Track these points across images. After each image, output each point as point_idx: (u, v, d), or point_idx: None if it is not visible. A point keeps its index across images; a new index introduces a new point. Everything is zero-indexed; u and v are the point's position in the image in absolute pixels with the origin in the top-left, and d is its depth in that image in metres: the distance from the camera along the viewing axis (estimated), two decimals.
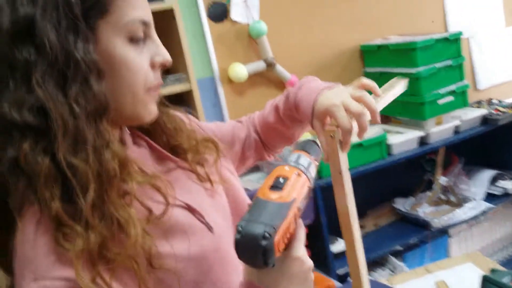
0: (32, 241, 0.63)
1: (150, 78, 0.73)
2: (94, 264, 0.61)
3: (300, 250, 0.68)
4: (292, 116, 0.96)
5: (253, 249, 0.58)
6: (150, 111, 0.76)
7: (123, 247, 0.63)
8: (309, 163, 0.71)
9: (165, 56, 0.75)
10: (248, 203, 0.75)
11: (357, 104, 0.82)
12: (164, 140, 0.84)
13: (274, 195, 0.63)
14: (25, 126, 0.62)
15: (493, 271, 1.34)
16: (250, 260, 0.61)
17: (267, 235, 0.58)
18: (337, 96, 0.83)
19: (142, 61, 0.72)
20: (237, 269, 0.79)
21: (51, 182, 0.62)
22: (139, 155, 0.79)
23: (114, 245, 0.63)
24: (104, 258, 0.62)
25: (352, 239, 0.88)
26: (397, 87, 1.00)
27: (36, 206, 0.64)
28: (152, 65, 0.74)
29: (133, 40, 0.70)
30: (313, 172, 0.72)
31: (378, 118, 0.85)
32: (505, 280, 1.27)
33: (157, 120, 0.81)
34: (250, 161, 1.07)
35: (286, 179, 0.66)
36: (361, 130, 0.83)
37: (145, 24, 0.72)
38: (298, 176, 0.68)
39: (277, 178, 0.66)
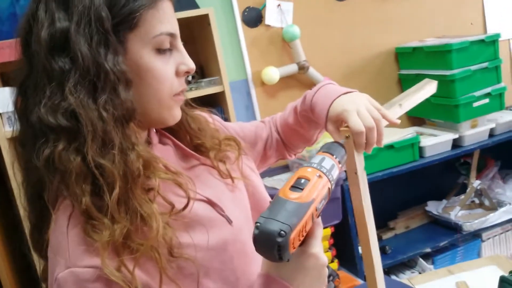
0: (64, 232, 0.70)
1: (175, 86, 0.79)
2: (118, 254, 0.67)
3: (316, 247, 0.72)
4: (308, 118, 1.00)
5: (269, 245, 0.63)
6: (174, 115, 0.82)
7: (146, 238, 0.68)
8: (332, 165, 0.74)
9: (189, 65, 0.80)
10: (269, 200, 0.79)
11: (369, 117, 0.85)
12: (188, 139, 0.90)
13: (293, 195, 0.66)
14: (59, 129, 0.69)
15: (511, 272, 1.34)
16: (266, 254, 0.65)
17: (282, 233, 0.62)
18: (352, 103, 0.87)
19: (167, 70, 0.78)
20: (255, 260, 0.83)
21: (82, 179, 0.68)
22: (164, 153, 0.85)
23: (138, 237, 0.69)
24: (128, 248, 0.68)
25: (368, 238, 0.92)
26: (427, 89, 1.02)
27: (68, 201, 0.71)
28: (177, 73, 0.80)
29: (160, 51, 0.76)
30: (335, 174, 0.74)
31: (382, 143, 0.88)
32: None
33: (181, 121, 0.86)
34: (272, 160, 1.12)
35: (307, 180, 0.69)
36: (369, 145, 0.86)
37: (171, 35, 0.78)
38: (319, 178, 0.70)
39: (299, 179, 0.69)
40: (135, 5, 0.73)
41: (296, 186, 0.68)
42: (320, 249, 0.74)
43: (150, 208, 0.70)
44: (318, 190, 0.69)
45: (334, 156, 0.76)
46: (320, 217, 0.74)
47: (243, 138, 1.04)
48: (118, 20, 0.72)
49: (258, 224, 0.64)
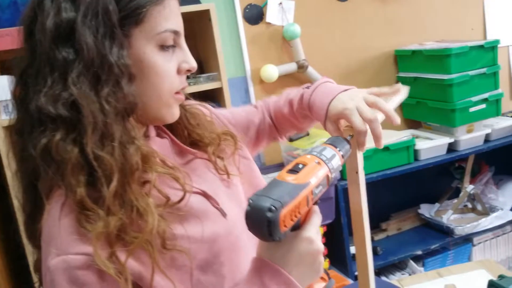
0: (57, 221, 0.70)
1: (176, 83, 0.80)
2: (111, 245, 0.68)
3: (311, 232, 0.72)
4: (305, 114, 1.00)
5: (259, 220, 0.63)
6: (173, 113, 0.83)
7: (140, 232, 0.69)
8: (333, 155, 0.74)
9: (191, 63, 0.81)
10: None
11: (370, 110, 0.85)
12: (185, 134, 0.91)
13: (289, 177, 0.68)
14: (58, 118, 0.69)
15: (500, 276, 1.34)
16: (257, 230, 0.65)
17: (273, 208, 0.62)
18: (351, 100, 0.87)
19: (169, 67, 0.78)
20: (249, 253, 0.84)
21: (78, 169, 0.68)
22: (161, 146, 0.86)
23: (133, 230, 0.69)
24: (122, 240, 0.69)
25: (363, 238, 0.92)
26: (400, 94, 1.03)
27: (61, 190, 0.71)
28: (179, 71, 0.80)
29: (163, 47, 0.77)
30: (336, 164, 0.75)
31: (397, 120, 0.87)
32: None
33: (180, 117, 0.87)
34: (264, 143, 1.12)
35: (304, 165, 0.70)
36: (375, 136, 0.86)
37: (175, 33, 0.78)
38: (317, 164, 0.71)
39: (297, 164, 0.70)
40: (143, 1, 0.74)
41: (293, 170, 0.69)
42: (316, 236, 0.73)
43: (146, 203, 0.70)
44: (314, 174, 0.70)
45: (338, 149, 0.77)
46: (317, 207, 0.74)
47: (235, 126, 1.04)
48: (124, 14, 0.73)
49: (251, 201, 0.65)
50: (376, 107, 0.87)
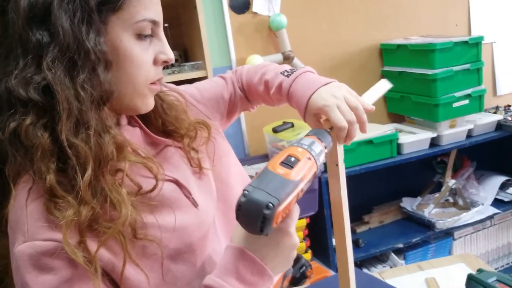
0: (24, 207, 0.68)
1: (152, 73, 0.78)
2: (82, 235, 0.66)
3: (292, 228, 0.72)
4: (281, 100, 0.98)
5: (254, 215, 0.62)
6: (147, 103, 0.81)
7: (112, 222, 0.68)
8: (320, 151, 0.74)
9: (169, 55, 0.79)
10: (238, 191, 0.79)
11: (350, 111, 0.84)
12: (159, 123, 0.89)
13: (283, 171, 0.66)
14: (29, 102, 0.67)
15: (479, 270, 1.36)
16: (248, 223, 0.64)
17: (270, 205, 0.61)
18: (332, 97, 0.86)
19: (146, 57, 0.76)
20: (218, 243, 0.85)
21: (48, 156, 0.67)
22: (133, 135, 0.84)
23: (104, 220, 0.68)
24: (94, 231, 0.68)
25: (343, 230, 0.92)
26: (383, 86, 1.02)
27: (29, 175, 0.69)
28: (155, 62, 0.78)
29: (140, 36, 0.75)
30: (322, 159, 0.74)
31: (366, 130, 0.87)
32: (491, 280, 1.28)
33: (155, 107, 0.85)
34: (236, 115, 1.10)
35: (297, 160, 0.69)
36: (349, 138, 0.86)
37: (154, 23, 0.76)
38: (308, 160, 0.70)
39: (289, 156, 0.69)
40: None
41: (286, 163, 0.68)
42: (294, 230, 0.74)
43: (120, 193, 0.69)
44: (306, 171, 0.69)
45: (322, 142, 0.76)
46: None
47: (205, 104, 1.02)
48: (102, 0, 0.71)
49: (246, 192, 0.63)
50: (355, 112, 0.85)
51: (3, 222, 0.73)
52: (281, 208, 0.63)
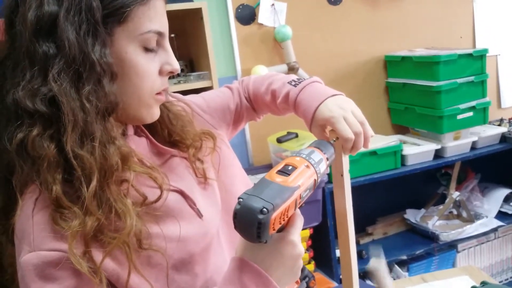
0: (30, 217, 0.69)
1: (157, 84, 0.79)
2: (87, 245, 0.67)
3: (295, 236, 0.72)
4: (287, 109, 0.99)
5: (249, 221, 0.62)
6: (153, 114, 0.82)
7: (117, 232, 0.68)
8: (320, 159, 0.75)
9: (174, 65, 0.80)
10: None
11: (357, 123, 0.85)
12: (166, 133, 0.90)
13: (279, 179, 0.67)
14: (36, 114, 0.68)
15: (483, 283, 1.36)
16: (245, 231, 0.64)
17: (264, 210, 0.62)
18: (339, 109, 0.86)
19: (151, 68, 0.77)
20: (221, 254, 0.85)
21: (54, 167, 0.67)
22: (139, 145, 0.85)
23: (110, 230, 0.69)
24: (99, 241, 0.68)
25: (347, 241, 0.93)
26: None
27: (35, 185, 0.69)
28: (161, 72, 0.79)
29: (146, 48, 0.76)
30: (322, 168, 0.75)
31: (369, 146, 0.88)
32: None
33: (161, 117, 0.86)
34: (242, 125, 1.11)
35: (294, 167, 0.70)
36: (355, 149, 0.87)
37: (159, 34, 0.77)
38: (306, 168, 0.71)
39: (286, 165, 0.70)
40: (127, 0, 0.73)
41: (283, 171, 0.69)
42: (298, 239, 0.74)
43: (125, 204, 0.70)
44: (304, 178, 0.70)
45: (324, 152, 0.77)
46: (299, 210, 0.74)
47: (211, 114, 1.02)
48: (108, 12, 0.72)
49: (241, 199, 0.64)
50: (362, 126, 0.86)
51: (10, 232, 0.73)
52: (276, 213, 0.63)
